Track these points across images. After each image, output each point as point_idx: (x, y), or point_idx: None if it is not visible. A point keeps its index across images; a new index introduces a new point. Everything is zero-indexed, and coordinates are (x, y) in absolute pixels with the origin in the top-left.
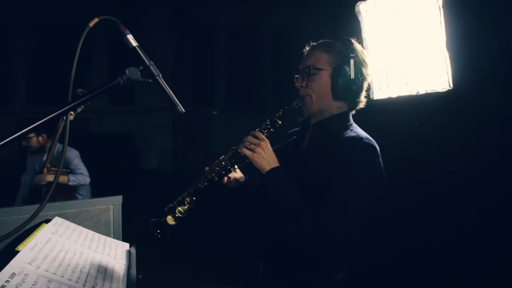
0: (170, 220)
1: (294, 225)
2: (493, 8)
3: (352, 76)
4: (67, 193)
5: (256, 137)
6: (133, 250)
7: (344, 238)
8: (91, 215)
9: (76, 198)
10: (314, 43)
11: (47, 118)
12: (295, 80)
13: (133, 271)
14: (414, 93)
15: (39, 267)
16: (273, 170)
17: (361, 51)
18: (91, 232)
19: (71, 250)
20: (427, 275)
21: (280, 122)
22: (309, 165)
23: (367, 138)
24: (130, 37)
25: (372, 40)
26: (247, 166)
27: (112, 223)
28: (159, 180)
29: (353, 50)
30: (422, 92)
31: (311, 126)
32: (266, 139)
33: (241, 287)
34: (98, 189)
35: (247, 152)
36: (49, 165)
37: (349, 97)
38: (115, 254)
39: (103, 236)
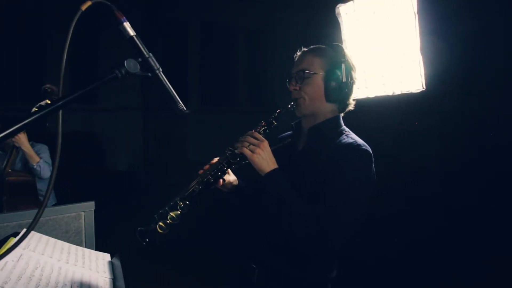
0: (160, 227)
1: (292, 227)
2: (464, 15)
3: (344, 79)
4: (31, 198)
5: (255, 138)
6: (117, 261)
7: (342, 239)
8: (60, 224)
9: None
10: (305, 49)
11: (35, 116)
12: (287, 83)
13: (121, 284)
14: (390, 93)
15: None
16: (273, 171)
17: (350, 56)
18: (66, 244)
19: (48, 267)
20: (412, 273)
21: (275, 123)
22: (306, 169)
23: (364, 145)
24: (127, 25)
25: (351, 41)
26: (241, 168)
27: (83, 232)
28: (130, 183)
29: (343, 55)
30: (397, 92)
31: (306, 131)
32: (265, 139)
33: None
34: (63, 194)
35: (247, 152)
36: (9, 170)
37: (340, 99)
38: (96, 267)
39: (80, 248)
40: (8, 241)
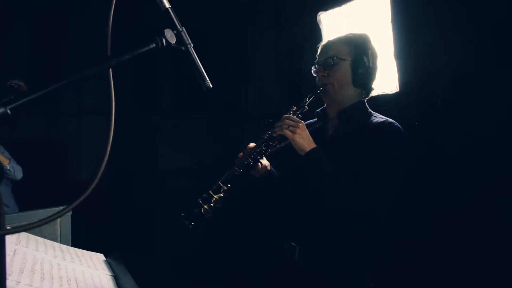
0: (205, 211)
1: (341, 202)
2: (434, 24)
3: (371, 64)
4: None
5: (293, 120)
6: (113, 260)
7: (385, 212)
8: (32, 231)
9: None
10: (331, 39)
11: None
12: (313, 70)
13: (127, 279)
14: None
15: (19, 282)
16: (314, 150)
17: (374, 45)
18: (56, 243)
19: (46, 262)
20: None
21: (307, 108)
22: (340, 152)
23: (395, 122)
24: None
25: None
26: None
27: (59, 240)
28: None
29: (369, 43)
30: (374, 94)
31: (335, 116)
32: (302, 121)
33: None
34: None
35: (288, 134)
36: None
37: (366, 84)
38: (94, 264)
39: (71, 247)
40: None
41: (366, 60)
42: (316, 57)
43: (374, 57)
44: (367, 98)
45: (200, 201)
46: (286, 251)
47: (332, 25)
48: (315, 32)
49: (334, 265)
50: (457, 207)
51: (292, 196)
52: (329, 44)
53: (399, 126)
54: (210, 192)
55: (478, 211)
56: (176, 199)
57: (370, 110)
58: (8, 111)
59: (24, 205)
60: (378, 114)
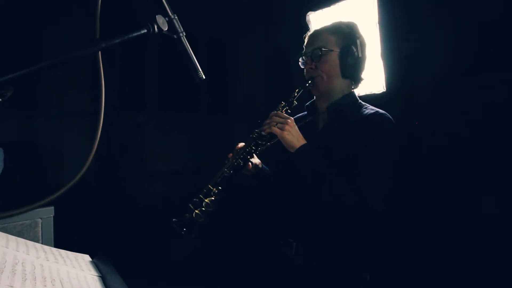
0: (197, 216)
1: (335, 197)
2: (419, 26)
3: (360, 54)
4: None
5: (281, 116)
6: (100, 261)
7: (381, 205)
8: (11, 233)
9: None
10: (317, 28)
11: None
12: (301, 62)
13: (115, 278)
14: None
15: None
16: (303, 146)
17: (362, 33)
18: (38, 244)
19: (28, 263)
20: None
21: (296, 103)
22: (331, 146)
23: (386, 113)
24: None
25: None
26: (264, 151)
27: (41, 242)
28: (77, 200)
29: (357, 31)
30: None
31: (324, 109)
32: (291, 117)
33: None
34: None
35: (276, 131)
36: None
37: (355, 75)
38: (79, 265)
39: (54, 248)
40: None
41: (354, 50)
42: (303, 48)
43: (363, 46)
44: (356, 89)
45: (191, 206)
46: (282, 247)
47: (321, 25)
48: (304, 32)
49: (331, 260)
50: (447, 203)
51: (286, 192)
52: (316, 34)
53: (390, 117)
54: (201, 196)
55: (467, 206)
56: (163, 202)
57: (360, 101)
58: None
59: (3, 208)
60: (368, 105)
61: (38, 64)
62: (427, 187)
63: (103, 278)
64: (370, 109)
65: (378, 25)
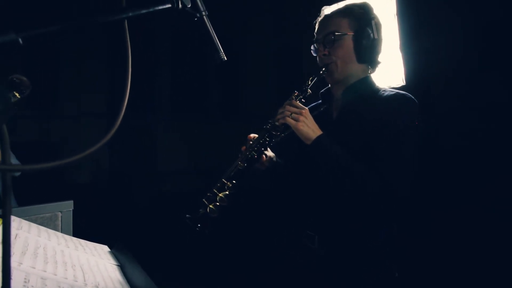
0: (211, 211)
1: (358, 185)
2: (440, 17)
3: (376, 36)
4: None
5: (296, 106)
6: (118, 251)
7: (406, 189)
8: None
9: None
10: (328, 11)
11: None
12: (313, 50)
13: (132, 268)
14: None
15: (21, 263)
16: (320, 138)
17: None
18: (58, 233)
19: (49, 248)
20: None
21: (310, 92)
22: (349, 131)
23: (408, 94)
24: None
25: None
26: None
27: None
28: (93, 197)
29: (371, 12)
30: (381, 87)
31: (340, 96)
32: (305, 107)
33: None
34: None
35: (291, 122)
36: None
37: (371, 58)
38: (99, 254)
39: (74, 238)
40: None
41: (370, 32)
42: (314, 35)
43: (378, 26)
44: (373, 73)
45: (205, 201)
46: (305, 241)
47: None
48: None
49: (355, 249)
50: (459, 203)
51: (304, 185)
52: (327, 18)
53: (413, 97)
54: (215, 190)
55: (478, 208)
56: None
57: (377, 85)
58: (20, 40)
59: (23, 203)
60: (387, 88)
61: (64, 23)
62: (445, 185)
63: (121, 267)
64: (389, 91)
65: (396, 16)
